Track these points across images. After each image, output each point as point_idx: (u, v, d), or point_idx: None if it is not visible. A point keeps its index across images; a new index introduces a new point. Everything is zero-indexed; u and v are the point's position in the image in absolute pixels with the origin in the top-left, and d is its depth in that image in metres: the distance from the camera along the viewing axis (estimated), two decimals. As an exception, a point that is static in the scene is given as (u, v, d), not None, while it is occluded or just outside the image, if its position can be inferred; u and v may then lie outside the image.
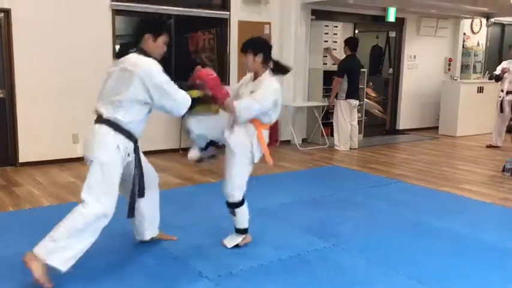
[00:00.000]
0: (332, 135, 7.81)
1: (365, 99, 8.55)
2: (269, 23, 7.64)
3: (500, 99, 7.69)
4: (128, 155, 2.98)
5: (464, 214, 4.46)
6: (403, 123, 9.61)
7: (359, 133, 8.10)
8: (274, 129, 7.77)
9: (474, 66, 10.47)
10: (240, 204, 3.38)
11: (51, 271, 2.80)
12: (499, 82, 7.85)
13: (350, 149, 7.55)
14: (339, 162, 6.74)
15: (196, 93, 3.12)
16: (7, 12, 5.64)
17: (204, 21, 7.35)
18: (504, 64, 7.77)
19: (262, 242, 3.61)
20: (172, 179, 5.50)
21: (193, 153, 3.54)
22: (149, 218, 3.41)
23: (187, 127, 3.36)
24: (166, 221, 3.73)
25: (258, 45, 3.35)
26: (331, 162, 6.76)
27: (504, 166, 6.08)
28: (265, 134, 3.38)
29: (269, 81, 3.31)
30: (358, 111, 8.39)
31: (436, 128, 9.41)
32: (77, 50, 6.09)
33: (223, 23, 7.31)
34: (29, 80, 5.84)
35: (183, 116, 3.19)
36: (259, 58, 3.30)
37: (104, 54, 6.31)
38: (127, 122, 2.92)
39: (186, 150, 6.81)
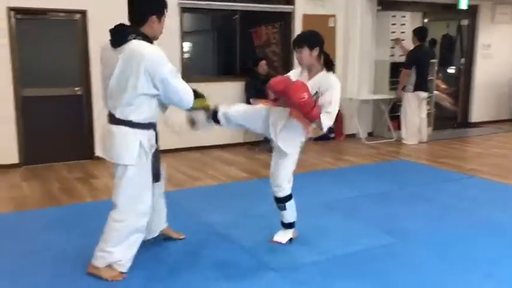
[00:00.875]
0: (399, 128, 7.60)
1: (434, 91, 8.24)
2: (334, 16, 7.54)
3: None
4: (152, 146, 2.90)
5: (544, 212, 4.21)
6: (475, 115, 9.16)
7: (428, 126, 7.83)
8: (339, 123, 7.70)
9: (555, 54, 9.76)
10: (289, 197, 3.35)
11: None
12: None
13: (418, 142, 7.32)
14: (407, 156, 6.55)
15: (201, 102, 3.08)
16: (84, 13, 5.96)
17: (268, 16, 7.38)
18: None
19: (328, 236, 3.61)
20: (239, 172, 5.60)
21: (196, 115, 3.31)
22: (157, 213, 3.27)
23: (192, 117, 3.31)
24: (232, 212, 3.81)
25: (313, 38, 3.24)
26: (399, 156, 6.59)
27: None
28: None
29: (333, 81, 3.18)
30: (428, 104, 8.11)
31: (513, 121, 8.91)
32: (147, 47, 6.31)
33: (288, 16, 7.30)
34: (104, 78, 6.14)
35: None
36: (315, 52, 3.20)
37: (174, 52, 6.50)
38: (142, 119, 2.80)
39: (251, 144, 6.95)
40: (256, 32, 7.78)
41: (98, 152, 6.26)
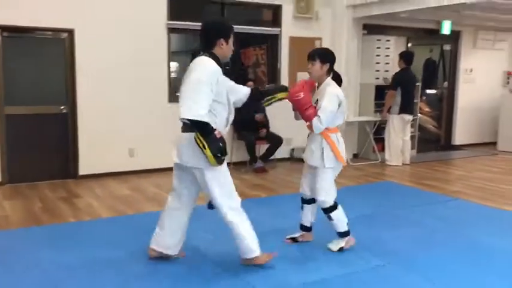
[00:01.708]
0: (384, 150, 7.68)
1: (418, 114, 8.37)
2: (320, 38, 7.65)
3: None
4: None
5: (527, 234, 4.25)
6: (459, 138, 9.30)
7: (412, 148, 7.92)
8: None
9: (535, 80, 10.01)
10: (333, 208, 3.59)
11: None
12: None
13: (402, 164, 7.38)
14: (392, 178, 6.60)
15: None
16: (71, 32, 5.96)
17: (256, 37, 7.46)
18: None
19: (314, 258, 3.59)
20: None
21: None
22: (179, 238, 3.43)
23: None
24: (221, 235, 3.78)
25: (326, 55, 3.59)
26: (384, 177, 6.63)
27: None
28: (335, 137, 3.59)
29: (331, 88, 3.52)
30: (412, 126, 8.22)
31: (495, 143, 9.05)
32: (135, 67, 6.32)
33: (275, 38, 7.39)
34: (90, 97, 6.11)
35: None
36: (325, 67, 3.54)
37: (161, 71, 6.53)
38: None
39: (236, 164, 6.94)
40: (245, 52, 7.85)
41: (83, 170, 6.19)
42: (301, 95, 3.40)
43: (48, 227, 4.33)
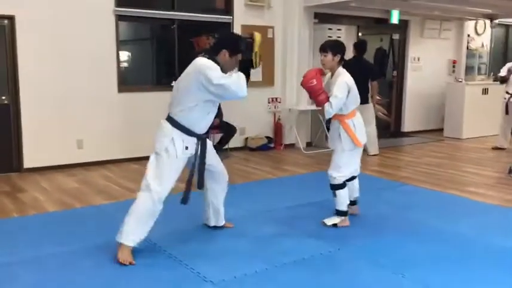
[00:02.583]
0: None
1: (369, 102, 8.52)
2: (272, 27, 7.64)
3: (506, 100, 7.63)
4: (187, 148, 3.31)
5: (471, 217, 4.42)
6: (407, 125, 9.57)
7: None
8: (278, 133, 7.77)
9: (479, 68, 10.41)
10: (340, 187, 3.92)
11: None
12: (504, 84, 7.79)
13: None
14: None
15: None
16: (11, 18, 5.67)
17: (207, 26, 7.35)
18: (510, 64, 7.69)
19: (266, 246, 3.60)
20: (176, 183, 5.48)
21: None
22: (213, 211, 3.80)
23: None
24: (170, 225, 3.73)
25: (337, 46, 3.90)
26: (336, 165, 6.72)
27: (510, 168, 6.04)
28: (351, 122, 3.90)
29: (341, 77, 3.82)
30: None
31: (441, 130, 9.37)
32: (81, 55, 6.10)
33: (227, 27, 7.31)
34: (33, 86, 5.86)
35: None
36: (337, 58, 3.84)
37: (108, 60, 6.33)
38: (183, 121, 3.29)
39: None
40: (197, 41, 7.73)
41: (28, 163, 5.94)
42: (314, 81, 3.73)
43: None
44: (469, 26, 10.12)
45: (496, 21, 9.65)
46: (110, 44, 6.31)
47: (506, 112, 7.63)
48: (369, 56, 9.74)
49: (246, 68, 3.43)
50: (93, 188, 5.29)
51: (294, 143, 7.87)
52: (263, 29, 7.50)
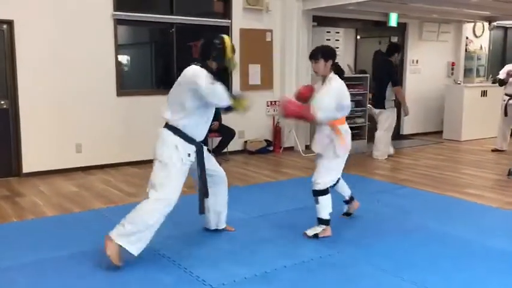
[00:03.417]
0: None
1: (368, 105, 8.54)
2: (271, 30, 7.65)
3: (505, 102, 7.64)
4: (189, 155, 3.34)
5: (470, 219, 4.42)
6: (406, 128, 9.57)
7: (362, 138, 8.09)
8: (277, 136, 7.77)
9: (477, 70, 10.42)
10: (323, 192, 3.77)
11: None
12: (503, 86, 7.79)
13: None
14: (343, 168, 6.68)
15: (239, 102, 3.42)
16: (10, 23, 5.67)
17: (206, 29, 7.36)
18: (509, 67, 7.69)
19: (265, 249, 3.59)
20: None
21: None
22: (214, 214, 3.82)
23: None
24: (171, 228, 3.72)
25: (328, 52, 3.85)
26: (335, 168, 6.71)
27: (509, 170, 6.04)
28: (343, 128, 3.82)
29: (332, 82, 3.75)
30: (362, 117, 8.41)
31: (440, 132, 9.37)
32: (80, 59, 6.11)
33: (225, 31, 7.31)
34: (32, 90, 5.86)
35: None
36: (329, 64, 3.79)
37: (107, 64, 6.34)
38: (182, 127, 3.32)
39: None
40: (196, 45, 7.72)
41: (27, 168, 5.93)
42: (293, 109, 3.65)
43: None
44: (468, 28, 10.14)
45: (495, 23, 9.68)
46: (108, 48, 6.32)
47: (505, 114, 7.63)
48: (368, 59, 9.80)
49: (220, 76, 3.40)
50: (92, 192, 5.28)
51: (293, 146, 7.87)
52: (261, 33, 7.52)
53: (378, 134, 7.37)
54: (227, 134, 6.87)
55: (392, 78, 7.12)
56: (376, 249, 3.59)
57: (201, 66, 3.34)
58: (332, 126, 3.77)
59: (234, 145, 7.30)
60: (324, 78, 3.86)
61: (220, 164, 3.86)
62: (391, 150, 7.47)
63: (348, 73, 8.35)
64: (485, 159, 7.32)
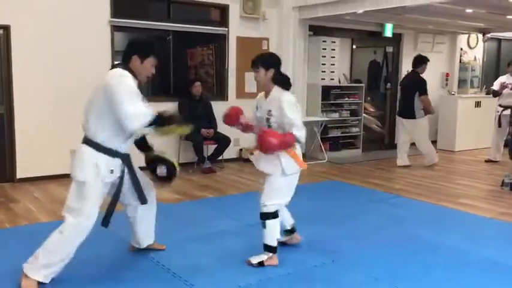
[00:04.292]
0: (331, 149, 8.01)
1: (363, 114, 8.60)
2: (267, 39, 7.69)
3: (498, 113, 7.70)
4: (112, 171, 3.01)
5: (463, 229, 4.44)
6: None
7: (357, 148, 8.13)
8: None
9: (471, 81, 10.51)
10: (270, 216, 3.35)
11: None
12: (497, 97, 7.86)
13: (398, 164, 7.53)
14: (338, 177, 6.72)
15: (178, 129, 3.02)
16: (6, 28, 5.68)
17: (202, 37, 7.40)
18: (502, 79, 7.77)
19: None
20: (170, 194, 5.48)
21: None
22: (144, 228, 3.48)
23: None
24: (164, 236, 3.71)
25: (268, 60, 3.42)
26: (330, 177, 6.74)
27: (503, 181, 6.07)
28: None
29: (285, 97, 3.32)
30: (357, 126, 8.45)
31: (434, 142, 9.39)
32: (76, 66, 6.11)
33: (222, 38, 7.35)
34: (28, 96, 5.85)
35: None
36: (270, 73, 3.36)
37: (103, 71, 6.30)
38: (103, 141, 2.97)
39: (184, 165, 6.85)
40: (192, 52, 7.77)
41: (21, 173, 5.91)
42: (274, 142, 3.17)
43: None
44: (462, 39, 10.24)
45: (489, 35, 9.78)
46: (105, 55, 6.32)
47: (499, 125, 7.69)
48: (363, 68, 9.86)
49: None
50: (86, 199, 5.26)
51: (288, 154, 7.87)
52: (258, 41, 7.56)
53: (422, 146, 7.48)
54: (222, 141, 6.87)
55: (420, 88, 7.19)
56: (370, 259, 3.60)
57: (123, 69, 3.02)
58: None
59: (229, 153, 7.30)
60: (266, 90, 3.43)
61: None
62: (436, 157, 7.58)
63: (343, 82, 8.49)
64: (479, 169, 7.36)
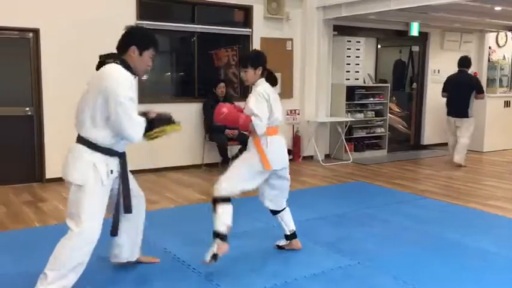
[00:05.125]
0: (356, 150, 7.93)
1: (388, 114, 8.51)
2: (291, 39, 7.68)
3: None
4: (111, 171, 2.85)
5: (492, 231, 4.34)
6: (427, 138, 9.46)
7: (382, 149, 8.04)
8: (297, 145, 7.76)
9: (500, 80, 10.28)
10: (222, 200, 3.26)
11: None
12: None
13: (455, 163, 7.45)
14: (363, 178, 6.66)
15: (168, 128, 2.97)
16: (36, 32, 5.81)
17: (227, 38, 7.43)
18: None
19: (285, 259, 3.58)
20: (197, 194, 5.51)
21: None
22: (129, 241, 3.22)
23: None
24: (190, 237, 3.74)
25: (256, 59, 3.50)
26: (355, 178, 6.69)
27: (533, 182, 5.93)
28: (264, 140, 3.37)
29: (257, 88, 3.41)
30: (382, 126, 8.36)
31: (462, 143, 9.22)
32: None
33: (246, 39, 7.37)
34: (56, 97, 5.97)
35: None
36: (259, 71, 3.45)
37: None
38: (101, 141, 2.77)
39: (208, 166, 6.89)
40: (217, 53, 7.81)
41: (50, 174, 6.04)
42: (225, 110, 3.33)
43: (11, 232, 4.20)
44: (490, 38, 10.02)
45: (518, 33, 9.56)
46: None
47: (529, 125, 7.51)
48: (388, 68, 9.73)
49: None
50: (113, 198, 5.34)
51: (313, 155, 7.85)
52: (282, 42, 7.55)
53: (464, 141, 7.46)
54: (246, 141, 6.87)
55: (478, 87, 7.38)
56: (397, 261, 3.56)
57: (119, 64, 2.81)
58: (253, 136, 3.40)
59: (253, 153, 7.29)
60: (256, 87, 3.46)
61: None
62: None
63: (368, 82, 8.40)
64: (507, 170, 7.20)
